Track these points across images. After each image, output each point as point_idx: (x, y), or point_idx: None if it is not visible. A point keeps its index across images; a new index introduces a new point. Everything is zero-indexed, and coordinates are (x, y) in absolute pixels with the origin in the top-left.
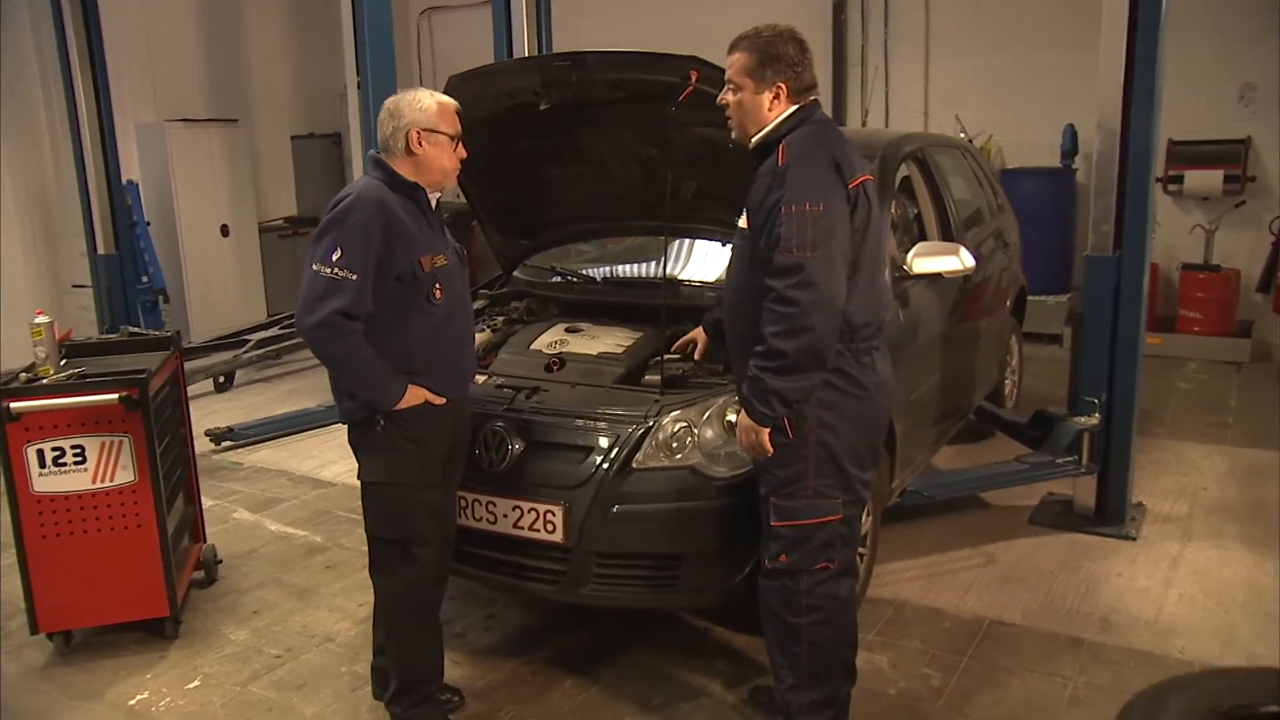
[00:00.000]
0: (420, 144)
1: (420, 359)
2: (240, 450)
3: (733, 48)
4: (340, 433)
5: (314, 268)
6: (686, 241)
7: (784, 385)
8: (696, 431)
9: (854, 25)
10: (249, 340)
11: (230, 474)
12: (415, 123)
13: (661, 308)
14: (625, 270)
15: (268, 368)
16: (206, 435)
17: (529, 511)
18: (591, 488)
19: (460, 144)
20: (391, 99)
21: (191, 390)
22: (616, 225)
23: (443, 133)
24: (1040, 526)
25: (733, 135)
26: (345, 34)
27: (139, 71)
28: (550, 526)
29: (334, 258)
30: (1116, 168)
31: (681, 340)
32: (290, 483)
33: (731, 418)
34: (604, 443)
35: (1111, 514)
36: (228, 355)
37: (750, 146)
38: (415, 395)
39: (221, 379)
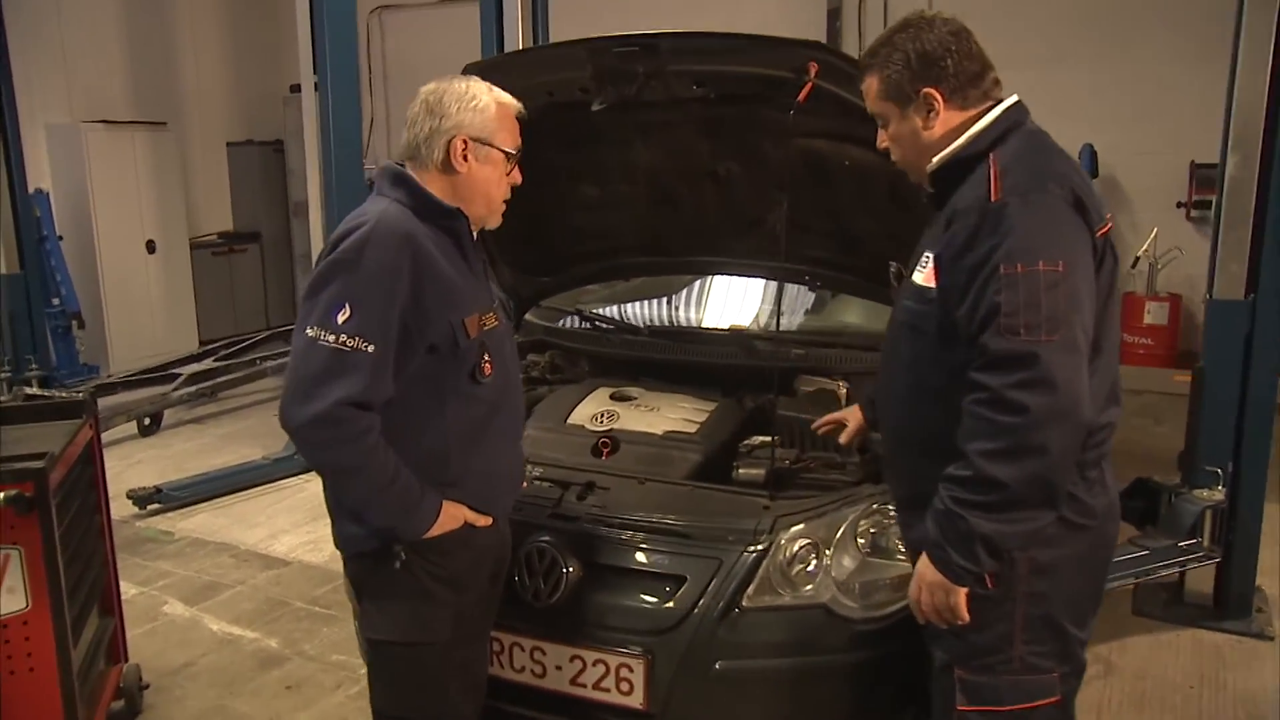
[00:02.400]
0: (466, 158)
1: (458, 463)
2: (171, 514)
3: (862, 76)
4: (295, 491)
5: (309, 333)
6: (767, 285)
7: (997, 529)
8: (829, 554)
9: (849, 33)
10: (179, 375)
11: (158, 548)
12: (463, 126)
13: (773, 371)
14: (678, 316)
15: (201, 406)
16: (129, 497)
17: (595, 664)
18: (685, 634)
19: (517, 167)
20: (432, 88)
21: (112, 434)
22: (672, 261)
23: (499, 148)
24: (1149, 619)
25: (912, 179)
26: (299, 29)
27: (50, 67)
28: (626, 686)
29: (340, 319)
30: (1254, 197)
31: (827, 419)
32: (234, 560)
33: (868, 542)
34: (700, 569)
35: (1236, 604)
36: (154, 392)
37: (934, 164)
38: (453, 516)
39: (147, 421)
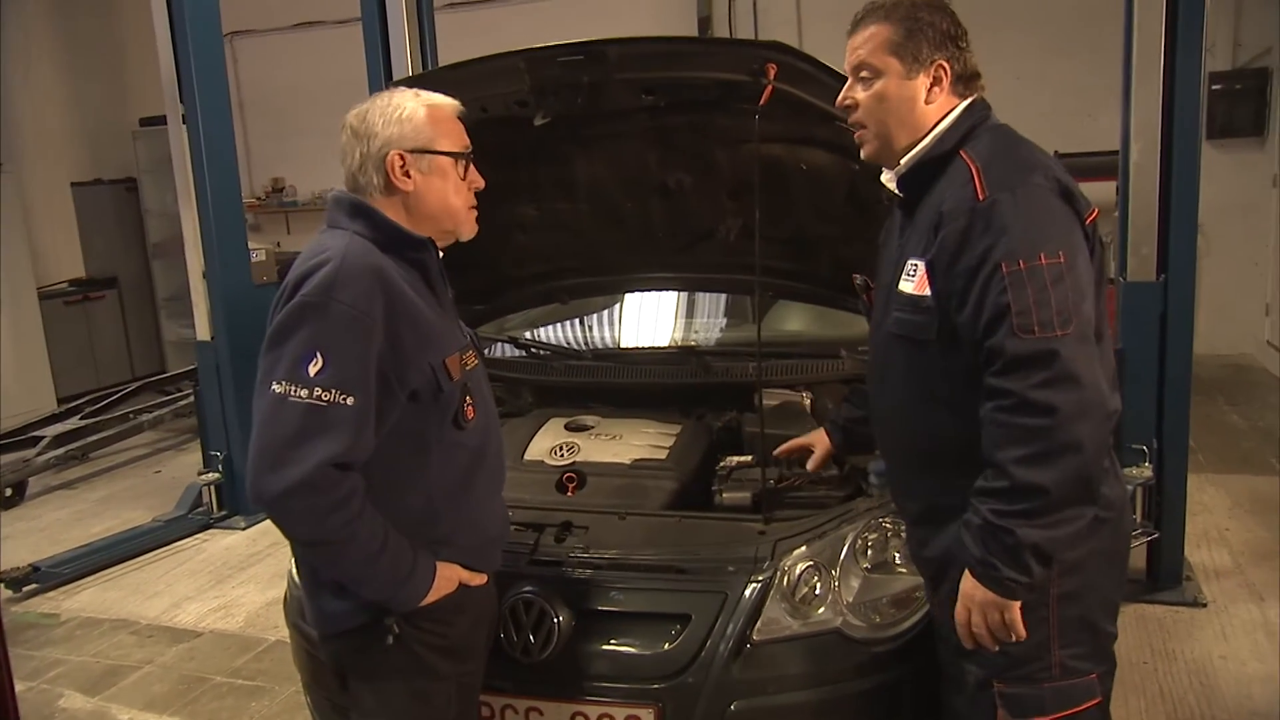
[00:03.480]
0: (408, 174)
1: (448, 519)
2: (52, 594)
3: (861, 22)
4: (194, 553)
5: (276, 390)
6: (719, 298)
7: (1046, 535)
8: (835, 575)
9: None
10: (43, 437)
11: (43, 635)
12: (394, 141)
13: (737, 388)
14: (619, 336)
15: (70, 469)
16: (1, 581)
17: None
18: (696, 677)
19: (472, 166)
20: (355, 112)
21: None
22: (617, 280)
23: (442, 152)
24: None
25: (864, 153)
26: (161, 57)
27: None
28: None
29: (312, 370)
30: (1158, 179)
31: (790, 445)
32: (135, 638)
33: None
34: (704, 605)
35: (1167, 577)
36: (14, 458)
37: (901, 167)
38: (448, 579)
39: (9, 491)
